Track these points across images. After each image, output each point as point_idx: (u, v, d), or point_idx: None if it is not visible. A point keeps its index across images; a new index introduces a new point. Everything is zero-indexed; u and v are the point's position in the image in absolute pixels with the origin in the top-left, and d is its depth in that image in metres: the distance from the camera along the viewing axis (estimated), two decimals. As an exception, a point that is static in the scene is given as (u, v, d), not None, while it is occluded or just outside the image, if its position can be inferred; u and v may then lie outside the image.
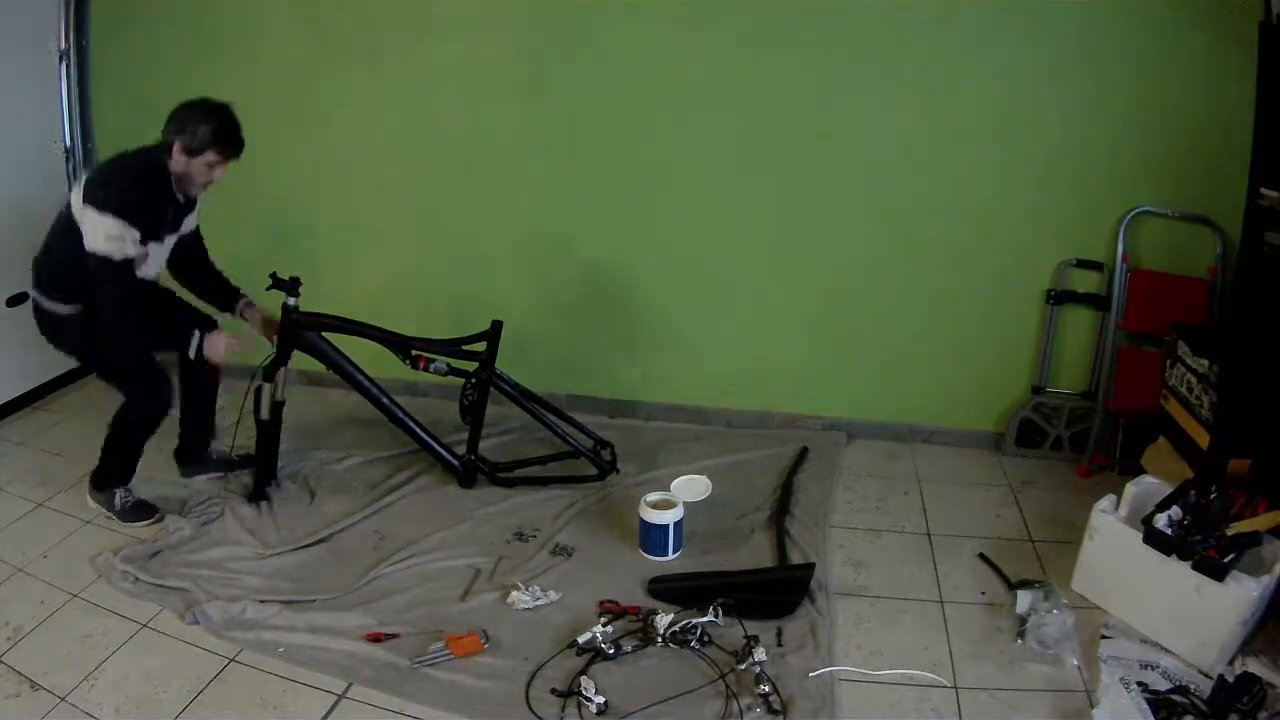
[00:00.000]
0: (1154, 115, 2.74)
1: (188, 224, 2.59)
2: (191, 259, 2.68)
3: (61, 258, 2.38)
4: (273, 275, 2.61)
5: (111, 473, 2.64)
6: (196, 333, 2.52)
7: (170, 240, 2.50)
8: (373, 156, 3.40)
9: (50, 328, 2.50)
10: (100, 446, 2.62)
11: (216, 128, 2.33)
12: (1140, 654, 2.05)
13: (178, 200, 2.45)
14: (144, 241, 2.33)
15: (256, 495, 2.73)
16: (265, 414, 2.67)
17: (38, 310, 2.49)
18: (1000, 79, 2.83)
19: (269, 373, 2.64)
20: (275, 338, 2.67)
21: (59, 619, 2.21)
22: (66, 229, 2.33)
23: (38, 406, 3.51)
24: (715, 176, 3.12)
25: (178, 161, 2.34)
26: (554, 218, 3.31)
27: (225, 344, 2.55)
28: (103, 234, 2.23)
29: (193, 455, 2.89)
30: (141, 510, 2.64)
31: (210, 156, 2.35)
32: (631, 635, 2.10)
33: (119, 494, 2.63)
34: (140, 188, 2.32)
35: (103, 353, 2.49)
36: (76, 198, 2.30)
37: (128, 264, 2.29)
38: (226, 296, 2.74)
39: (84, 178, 2.35)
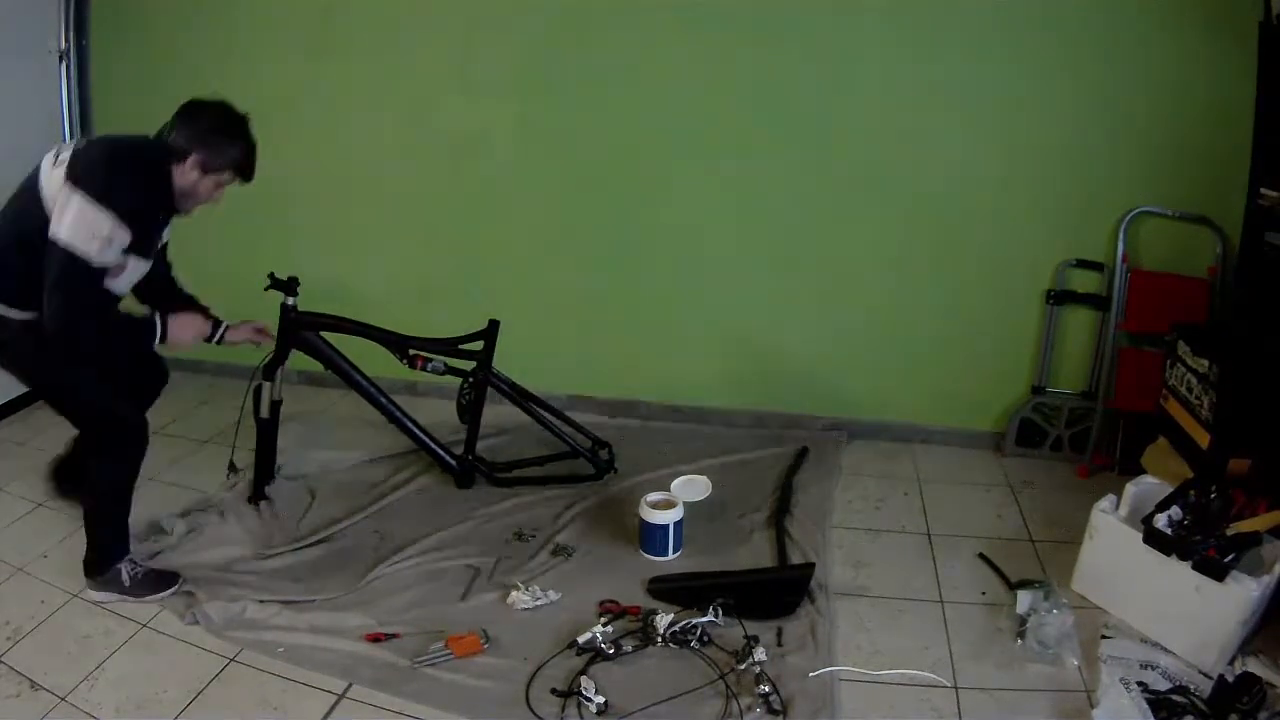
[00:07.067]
0: (1154, 115, 2.74)
1: (165, 236, 2.24)
2: (155, 273, 2.27)
3: (13, 244, 1.96)
4: (271, 275, 2.61)
5: (106, 550, 2.22)
6: (157, 316, 2.10)
7: (151, 260, 2.14)
8: (372, 155, 3.40)
9: None
10: (84, 530, 2.24)
11: (245, 152, 2.09)
12: (1140, 654, 2.04)
13: (171, 212, 2.14)
14: (128, 251, 1.99)
15: (256, 495, 2.73)
16: (265, 413, 2.67)
17: None
18: (1000, 79, 2.83)
19: (268, 371, 2.64)
20: (263, 338, 2.47)
21: (59, 619, 2.20)
22: (27, 210, 1.92)
23: (38, 407, 3.50)
24: (714, 177, 3.12)
25: (188, 175, 2.04)
26: (553, 216, 3.31)
27: (196, 330, 2.20)
28: (88, 229, 1.87)
29: (72, 478, 2.49)
30: (160, 579, 2.26)
31: (225, 178, 2.09)
32: (631, 635, 2.10)
33: (124, 569, 2.23)
34: (149, 189, 2.01)
35: (54, 378, 2.11)
36: (56, 176, 1.91)
37: (101, 273, 1.94)
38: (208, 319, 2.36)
39: (68, 152, 1.95)
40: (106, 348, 2.12)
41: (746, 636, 2.04)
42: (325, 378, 2.93)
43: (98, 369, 2.13)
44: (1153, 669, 1.99)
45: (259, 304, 2.75)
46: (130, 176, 1.97)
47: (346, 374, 2.73)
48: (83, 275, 1.91)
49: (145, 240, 2.04)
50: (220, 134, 2.05)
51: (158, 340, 2.11)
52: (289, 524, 2.62)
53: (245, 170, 2.12)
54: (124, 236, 1.94)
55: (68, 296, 1.91)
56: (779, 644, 2.07)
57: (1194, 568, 1.98)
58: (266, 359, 2.64)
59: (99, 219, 1.89)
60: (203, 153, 2.03)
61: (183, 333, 2.16)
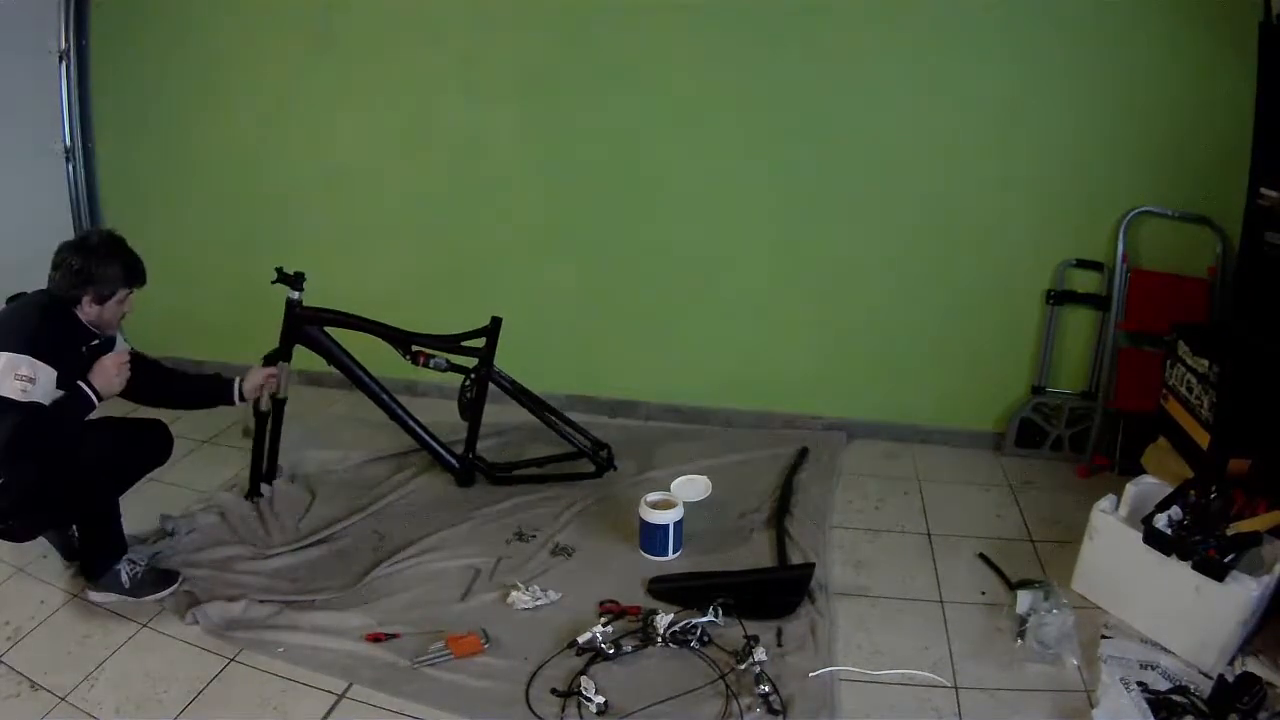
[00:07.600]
0: (1154, 115, 2.74)
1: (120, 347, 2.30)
2: (154, 381, 2.38)
3: None
4: (278, 270, 2.62)
5: (105, 551, 2.25)
6: (80, 385, 2.10)
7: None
8: (374, 155, 3.40)
9: None
10: (78, 544, 2.29)
11: (125, 266, 2.15)
12: (1140, 654, 2.05)
13: (95, 343, 2.18)
14: (62, 386, 2.04)
15: (252, 491, 2.73)
16: (265, 405, 2.67)
17: None
18: (1000, 79, 2.83)
19: (268, 362, 2.63)
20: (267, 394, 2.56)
21: (59, 619, 2.21)
22: None
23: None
24: (714, 177, 3.12)
25: (89, 311, 2.13)
26: (554, 216, 3.31)
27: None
28: (10, 372, 1.94)
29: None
30: (160, 579, 2.28)
31: (122, 294, 2.17)
32: (631, 635, 2.10)
33: (124, 570, 2.25)
34: (63, 330, 2.09)
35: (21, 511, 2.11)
36: None
37: (27, 408, 1.96)
38: (218, 388, 2.51)
39: None
40: (65, 444, 2.10)
41: (746, 636, 2.04)
42: (325, 377, 2.93)
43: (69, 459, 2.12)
44: (1153, 669, 1.99)
45: (259, 303, 2.76)
46: (38, 322, 2.06)
47: (349, 370, 2.74)
48: (9, 412, 1.94)
49: (75, 372, 2.10)
50: (95, 266, 2.11)
51: (96, 400, 2.13)
52: (289, 524, 2.62)
53: (135, 280, 2.19)
54: (48, 372, 2.01)
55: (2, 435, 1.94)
56: (779, 644, 2.07)
57: (1194, 568, 1.98)
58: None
59: (18, 361, 1.96)
60: (89, 289, 2.12)
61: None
